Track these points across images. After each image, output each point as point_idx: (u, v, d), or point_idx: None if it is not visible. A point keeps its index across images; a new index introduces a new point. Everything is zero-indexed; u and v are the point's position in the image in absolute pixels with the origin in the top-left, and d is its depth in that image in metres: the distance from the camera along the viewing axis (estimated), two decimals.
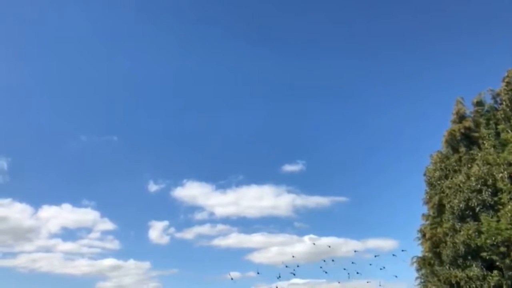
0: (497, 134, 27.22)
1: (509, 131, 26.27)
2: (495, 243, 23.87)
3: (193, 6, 73.47)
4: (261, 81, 73.94)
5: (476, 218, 25.84)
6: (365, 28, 72.05)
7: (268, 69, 75.29)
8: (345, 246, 49.65)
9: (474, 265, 25.07)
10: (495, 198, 25.30)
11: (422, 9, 70.35)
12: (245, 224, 66.06)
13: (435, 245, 28.19)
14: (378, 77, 73.60)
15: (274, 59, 75.63)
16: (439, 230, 27.96)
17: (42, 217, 58.74)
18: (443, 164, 29.47)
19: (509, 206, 24.02)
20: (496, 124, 27.66)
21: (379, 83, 72.47)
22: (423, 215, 30.59)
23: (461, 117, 30.00)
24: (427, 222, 29.97)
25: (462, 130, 29.30)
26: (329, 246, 33.12)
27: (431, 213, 29.69)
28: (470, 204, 26.17)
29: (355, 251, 31.89)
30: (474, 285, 24.71)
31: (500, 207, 24.83)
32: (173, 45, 76.12)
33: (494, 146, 26.79)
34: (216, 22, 74.01)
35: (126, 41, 74.19)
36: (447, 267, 26.40)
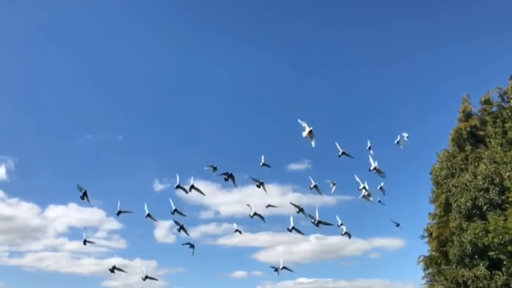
0: (504, 133, 27.05)
1: None
2: (502, 242, 23.66)
3: (193, 6, 73.52)
4: (264, 80, 73.87)
5: (483, 217, 25.66)
6: (366, 28, 71.61)
7: (270, 68, 75.33)
8: (351, 245, 49.43)
9: (481, 264, 24.92)
10: (502, 197, 25.14)
11: (425, 8, 69.70)
12: (250, 223, 66.08)
13: (441, 244, 28.12)
14: (382, 76, 73.14)
15: (276, 58, 75.66)
16: (445, 229, 27.88)
17: (48, 216, 59.10)
18: (449, 163, 29.28)
19: None
20: (503, 122, 27.50)
21: (383, 82, 72.06)
22: (430, 214, 30.53)
23: (467, 115, 29.78)
24: (434, 221, 29.89)
25: (469, 129, 29.11)
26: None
27: (437, 212, 29.58)
28: (477, 203, 26.00)
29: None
30: (481, 284, 24.55)
31: (508, 205, 24.70)
32: (177, 45, 76.07)
33: (501, 145, 26.62)
34: (216, 22, 73.87)
35: (128, 40, 73.98)
36: (454, 266, 26.24)
